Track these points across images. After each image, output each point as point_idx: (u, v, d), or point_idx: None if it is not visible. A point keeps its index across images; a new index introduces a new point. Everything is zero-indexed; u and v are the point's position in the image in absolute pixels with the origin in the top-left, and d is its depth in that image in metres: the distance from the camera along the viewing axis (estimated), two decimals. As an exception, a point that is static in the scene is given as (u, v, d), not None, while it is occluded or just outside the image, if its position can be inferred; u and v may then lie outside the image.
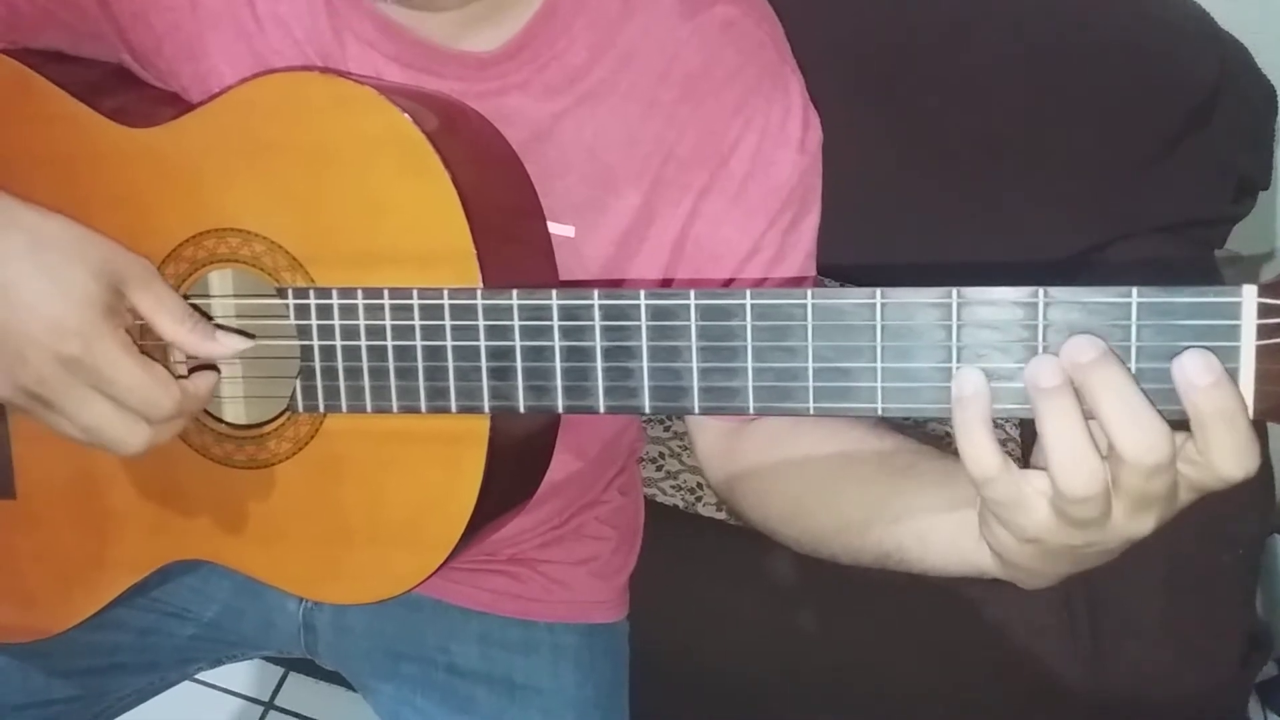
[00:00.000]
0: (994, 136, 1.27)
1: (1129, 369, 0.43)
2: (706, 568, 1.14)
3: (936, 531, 0.56)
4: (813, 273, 0.73)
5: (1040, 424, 0.44)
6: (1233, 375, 0.43)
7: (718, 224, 0.69)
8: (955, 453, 0.47)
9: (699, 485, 1.25)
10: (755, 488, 0.70)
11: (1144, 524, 0.45)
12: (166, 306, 0.60)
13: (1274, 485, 1.16)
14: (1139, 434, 0.42)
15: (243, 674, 1.49)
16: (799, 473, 0.67)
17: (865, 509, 0.61)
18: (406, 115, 0.57)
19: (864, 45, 1.26)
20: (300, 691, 1.48)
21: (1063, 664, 1.08)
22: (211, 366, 0.63)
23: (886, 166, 1.29)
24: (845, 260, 1.19)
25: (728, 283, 0.71)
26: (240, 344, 0.60)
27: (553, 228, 0.67)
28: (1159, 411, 0.42)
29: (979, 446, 0.45)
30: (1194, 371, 0.42)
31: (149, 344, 0.61)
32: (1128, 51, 1.21)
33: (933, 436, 1.21)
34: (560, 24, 0.66)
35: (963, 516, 0.54)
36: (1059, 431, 0.43)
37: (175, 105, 0.68)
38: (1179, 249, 1.26)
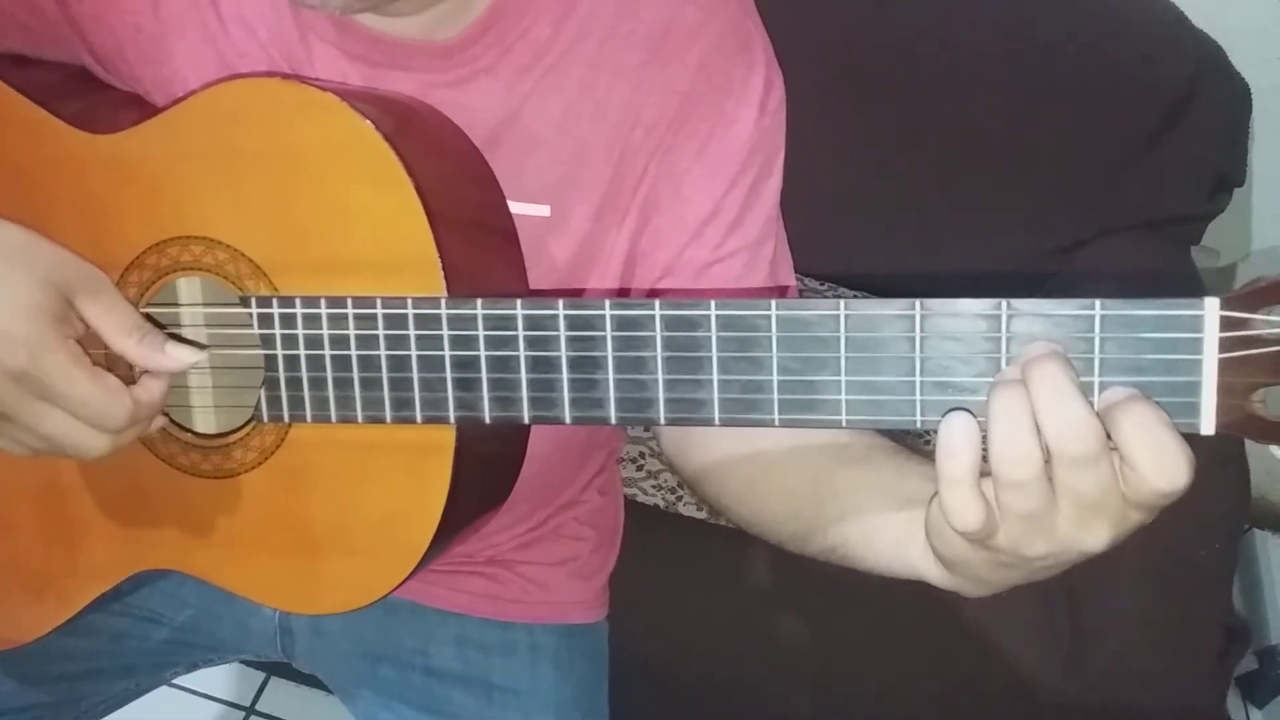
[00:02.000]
0: (973, 136, 1.28)
1: (1072, 369, 0.43)
2: (687, 568, 1.14)
3: (882, 533, 0.56)
4: (773, 238, 0.72)
5: (988, 411, 0.44)
6: (1194, 388, 0.43)
7: (680, 184, 0.68)
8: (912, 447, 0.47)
9: (680, 485, 1.25)
10: (714, 472, 0.70)
11: (1094, 535, 0.45)
12: (114, 317, 0.59)
13: (1249, 479, 1.17)
14: (1063, 422, 0.42)
15: (224, 679, 1.48)
16: (753, 456, 0.67)
17: (815, 500, 0.61)
18: (369, 122, 0.57)
19: (844, 47, 1.26)
20: (281, 696, 1.47)
21: (1042, 659, 1.09)
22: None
23: (866, 166, 1.29)
24: (822, 256, 1.19)
25: (687, 245, 0.70)
26: (190, 356, 0.59)
27: (527, 209, 0.67)
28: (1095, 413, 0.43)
29: (965, 502, 0.45)
30: (1107, 394, 0.43)
31: (109, 353, 0.60)
32: (1103, 51, 1.22)
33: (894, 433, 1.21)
34: (523, 1, 0.65)
35: (911, 518, 0.54)
36: (999, 413, 0.43)
37: (138, 109, 0.67)
38: (1156, 246, 1.26)
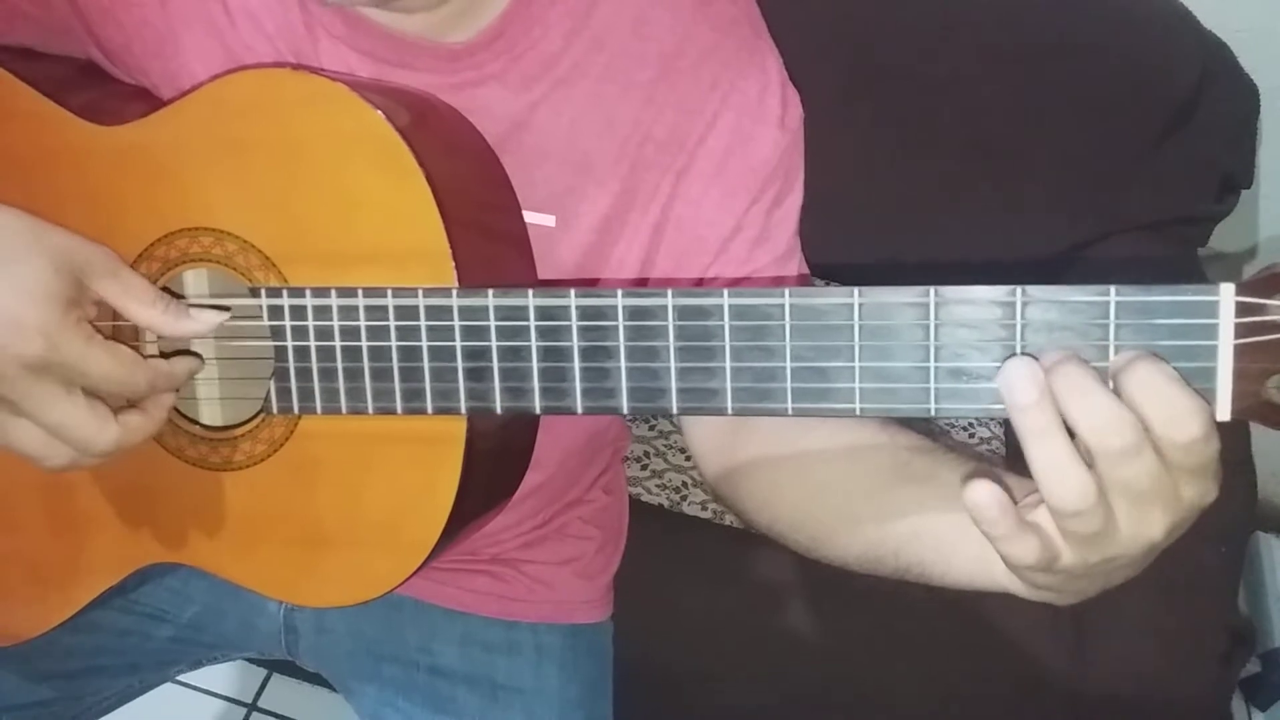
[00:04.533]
0: (980, 136, 1.27)
1: (1089, 366, 0.43)
2: (691, 567, 1.14)
3: (960, 551, 0.55)
4: (799, 252, 0.73)
5: (1023, 443, 0.44)
6: (1209, 374, 0.43)
7: (699, 204, 0.69)
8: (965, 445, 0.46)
9: (684, 484, 1.25)
10: (760, 489, 0.68)
11: (1152, 526, 0.45)
12: (134, 292, 0.59)
13: (1256, 481, 1.17)
14: (1095, 419, 0.42)
15: (225, 675, 1.48)
16: (807, 476, 0.65)
17: (881, 521, 0.59)
18: (380, 113, 0.57)
19: (850, 45, 1.25)
20: (283, 693, 1.47)
21: (1047, 661, 1.08)
22: (190, 352, 0.62)
23: (873, 165, 1.29)
24: (829, 257, 1.19)
25: (712, 264, 0.70)
26: (216, 317, 0.59)
27: (533, 217, 0.67)
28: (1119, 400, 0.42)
29: (1021, 550, 0.46)
30: (1111, 364, 0.43)
31: (118, 325, 0.60)
32: (1111, 50, 1.22)
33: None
34: (535, 12, 0.65)
35: None
36: (1041, 451, 0.43)
37: (146, 102, 0.67)
38: (1163, 247, 1.26)
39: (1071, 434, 0.44)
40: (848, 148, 1.18)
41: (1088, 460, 0.43)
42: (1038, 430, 0.43)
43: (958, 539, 0.55)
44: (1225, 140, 1.25)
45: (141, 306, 0.59)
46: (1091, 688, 1.07)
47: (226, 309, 0.60)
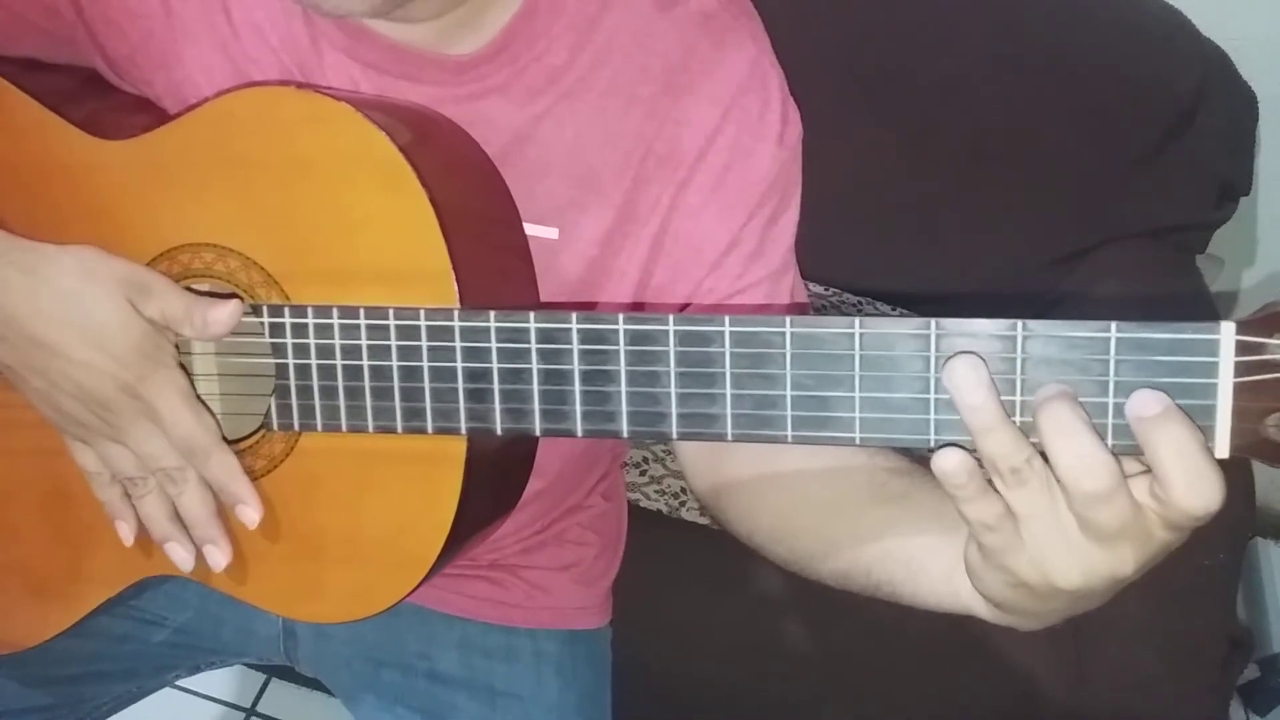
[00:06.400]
0: (980, 144, 1.28)
1: (1080, 407, 0.43)
2: (690, 573, 1.14)
3: (929, 571, 0.55)
4: (794, 269, 0.73)
5: (972, 434, 0.45)
6: (1209, 412, 0.43)
7: (697, 217, 0.69)
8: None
9: (683, 490, 1.25)
10: (742, 501, 0.69)
11: (1120, 561, 0.45)
12: (169, 314, 0.61)
13: (1254, 487, 1.17)
14: (1073, 458, 0.43)
15: (224, 680, 1.48)
16: (788, 491, 0.65)
17: (855, 538, 0.60)
18: (383, 132, 0.57)
19: (851, 55, 1.26)
20: (282, 697, 1.48)
21: (1045, 668, 1.09)
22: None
23: (873, 172, 1.29)
24: (829, 263, 1.19)
25: (706, 278, 0.70)
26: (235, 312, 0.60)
27: (536, 230, 0.67)
28: (1106, 444, 0.43)
29: (982, 510, 0.46)
30: (1139, 404, 0.43)
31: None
32: (1111, 59, 1.22)
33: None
34: (540, 25, 0.65)
35: (957, 555, 0.53)
36: (987, 443, 0.44)
37: (149, 114, 0.67)
38: (1161, 254, 1.26)
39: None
40: (847, 156, 1.18)
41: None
42: (984, 429, 0.44)
43: (927, 559, 0.56)
44: (1224, 147, 1.26)
45: (177, 327, 0.61)
46: (1090, 694, 1.07)
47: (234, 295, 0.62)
